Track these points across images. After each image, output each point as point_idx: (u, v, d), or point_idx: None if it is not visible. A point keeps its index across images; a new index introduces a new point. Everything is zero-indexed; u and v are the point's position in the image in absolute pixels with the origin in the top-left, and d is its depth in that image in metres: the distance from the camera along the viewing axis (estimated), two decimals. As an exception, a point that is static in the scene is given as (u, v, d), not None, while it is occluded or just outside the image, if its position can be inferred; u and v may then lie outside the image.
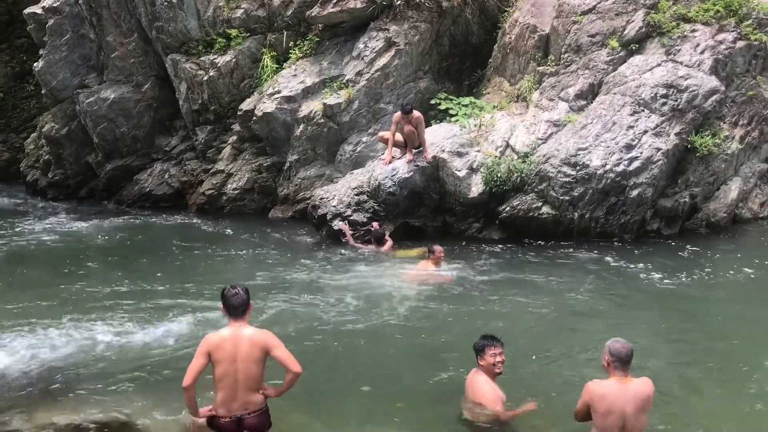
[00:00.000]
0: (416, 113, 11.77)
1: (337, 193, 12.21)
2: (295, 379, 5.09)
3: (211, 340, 5.07)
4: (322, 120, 13.57)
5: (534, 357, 7.07)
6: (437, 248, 10.06)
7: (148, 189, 15.41)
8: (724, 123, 12.32)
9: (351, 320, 8.21)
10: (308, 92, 13.74)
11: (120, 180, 15.80)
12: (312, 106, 13.61)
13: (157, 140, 15.70)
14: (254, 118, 13.95)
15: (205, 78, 14.53)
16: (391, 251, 11.17)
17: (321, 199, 12.28)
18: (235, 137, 14.73)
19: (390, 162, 11.95)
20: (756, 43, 12.66)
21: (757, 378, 6.69)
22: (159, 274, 9.86)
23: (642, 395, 5.05)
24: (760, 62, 13.10)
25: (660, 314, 8.66)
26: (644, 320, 8.43)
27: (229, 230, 13.07)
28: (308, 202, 12.97)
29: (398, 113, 11.84)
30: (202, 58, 14.56)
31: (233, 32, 14.40)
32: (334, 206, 12.03)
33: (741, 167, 12.66)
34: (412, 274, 9.93)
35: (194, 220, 14.04)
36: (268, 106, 13.77)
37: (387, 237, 11.42)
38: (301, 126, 13.70)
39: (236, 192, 14.51)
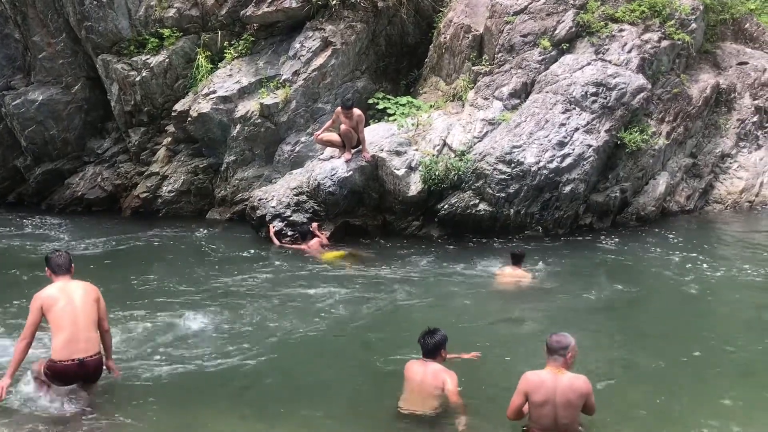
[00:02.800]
0: (357, 111, 11.80)
1: (275, 194, 12.13)
2: (109, 339, 6.05)
3: (43, 296, 5.72)
4: (259, 120, 13.46)
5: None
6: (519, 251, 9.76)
7: (80, 193, 14.96)
8: (651, 120, 12.76)
9: (293, 321, 8.19)
10: (244, 92, 13.60)
11: (50, 184, 15.29)
12: (249, 106, 13.48)
13: (88, 143, 15.25)
14: (189, 118, 13.73)
15: (138, 78, 14.20)
16: (318, 251, 11.15)
17: (259, 200, 12.18)
18: (169, 139, 14.45)
19: (350, 159, 11.91)
20: (679, 42, 13.16)
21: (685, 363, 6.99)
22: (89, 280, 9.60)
23: (572, 390, 5.18)
24: (683, 61, 13.63)
25: (598, 307, 8.94)
26: (582, 315, 8.70)
27: (164, 233, 12.80)
28: (247, 203, 12.85)
29: (339, 108, 11.86)
30: (134, 59, 14.23)
31: (166, 32, 14.12)
32: (273, 207, 11.95)
33: (668, 162, 13.14)
34: (504, 281, 9.66)
35: (128, 224, 13.71)
36: (203, 106, 13.57)
37: (318, 233, 11.44)
38: (238, 126, 13.55)
39: (172, 194, 14.25)
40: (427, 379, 5.88)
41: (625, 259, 10.70)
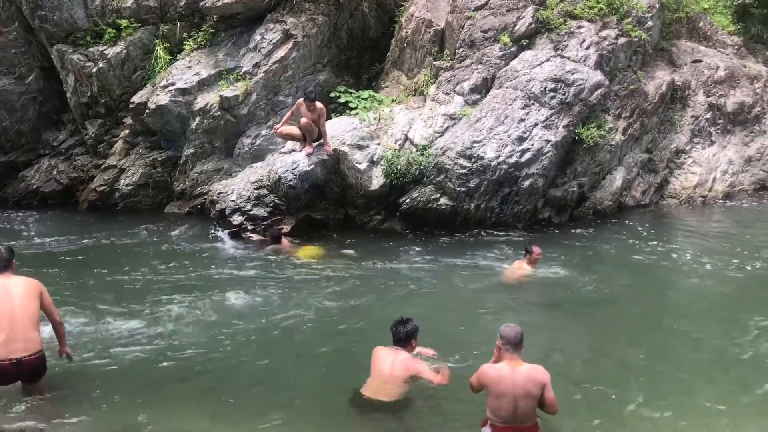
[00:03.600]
0: (319, 104, 11.76)
1: (236, 188, 12.03)
2: (62, 329, 6.10)
3: None
4: (219, 113, 13.32)
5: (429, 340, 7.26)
6: (535, 249, 9.43)
7: (35, 186, 14.60)
8: (609, 115, 12.98)
9: (250, 316, 8.16)
10: (204, 84, 13.43)
11: (3, 177, 14.88)
12: (208, 99, 13.32)
13: (43, 135, 14.88)
14: (147, 111, 13.50)
15: (94, 70, 13.91)
16: (291, 249, 11.09)
17: (219, 193, 12.06)
18: (127, 131, 14.19)
19: (312, 152, 11.85)
20: (636, 39, 13.40)
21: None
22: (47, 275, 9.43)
23: (530, 380, 5.27)
24: (639, 58, 13.89)
25: (549, 298, 9.12)
26: (536, 304, 8.84)
27: (122, 227, 12.58)
28: (206, 197, 12.73)
29: (301, 100, 11.80)
30: (91, 49, 13.92)
31: (123, 22, 13.85)
32: (233, 201, 11.85)
33: (624, 157, 13.38)
34: (509, 274, 9.58)
35: (84, 217, 13.45)
36: (161, 98, 13.36)
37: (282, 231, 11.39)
38: (197, 119, 13.39)
39: (130, 188, 14.00)
40: (397, 368, 5.99)
41: (588, 253, 10.88)
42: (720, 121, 14.81)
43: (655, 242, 11.30)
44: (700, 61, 15.13)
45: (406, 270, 10.07)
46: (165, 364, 6.90)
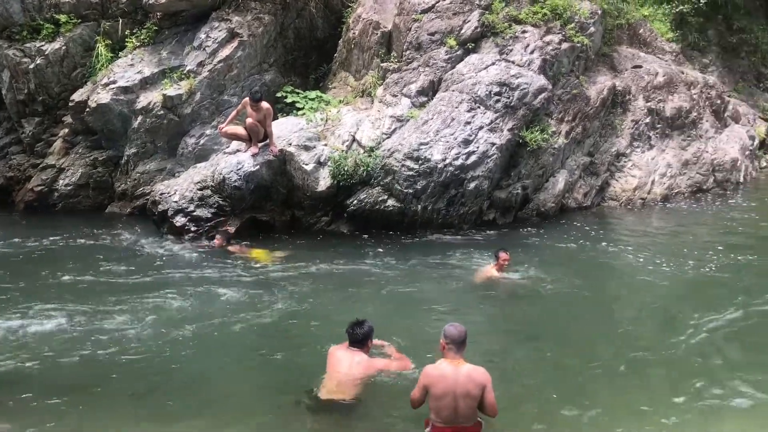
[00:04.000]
0: (266, 104, 11.66)
1: (178, 188, 11.81)
2: None
3: None
4: (162, 112, 13.07)
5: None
6: (502, 254, 9.58)
7: (-33, 186, 14.11)
8: (552, 119, 13.21)
9: (196, 318, 8.02)
10: (146, 83, 13.17)
11: (-66, 176, 14.34)
12: (151, 97, 13.06)
13: (-24, 132, 14.39)
14: (88, 109, 13.16)
15: (32, 66, 13.50)
16: (243, 251, 10.90)
17: (161, 194, 11.83)
18: (66, 130, 13.81)
19: (257, 153, 11.71)
20: (578, 45, 13.68)
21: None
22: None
23: (471, 380, 5.32)
24: (582, 63, 14.18)
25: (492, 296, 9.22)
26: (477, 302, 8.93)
27: (60, 229, 12.19)
28: (148, 197, 12.46)
29: (247, 99, 11.67)
30: (28, 45, 13.52)
31: (62, 18, 13.48)
32: (175, 201, 11.64)
33: (567, 160, 13.63)
34: (480, 277, 9.68)
35: (21, 218, 13.02)
36: (102, 96, 13.04)
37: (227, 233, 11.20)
38: (140, 118, 13.11)
39: (69, 188, 13.61)
40: (355, 369, 6.06)
41: (535, 254, 11.02)
42: (659, 126, 15.22)
43: (599, 243, 11.56)
44: (641, 66, 15.53)
45: (360, 271, 10.06)
46: (102, 367, 6.76)
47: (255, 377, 6.77)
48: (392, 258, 10.65)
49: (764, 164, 18.08)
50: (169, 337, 7.48)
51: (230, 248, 10.94)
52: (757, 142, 17.51)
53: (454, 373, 5.33)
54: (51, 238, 11.47)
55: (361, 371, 6.09)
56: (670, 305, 8.91)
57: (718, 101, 16.76)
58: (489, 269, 9.75)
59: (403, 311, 8.60)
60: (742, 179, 16.18)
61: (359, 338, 6.25)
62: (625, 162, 14.63)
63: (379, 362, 6.35)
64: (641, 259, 10.66)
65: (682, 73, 16.35)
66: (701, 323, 7.90)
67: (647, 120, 15.05)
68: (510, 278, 9.66)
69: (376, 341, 6.57)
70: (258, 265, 10.18)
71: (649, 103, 15.15)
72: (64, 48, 13.53)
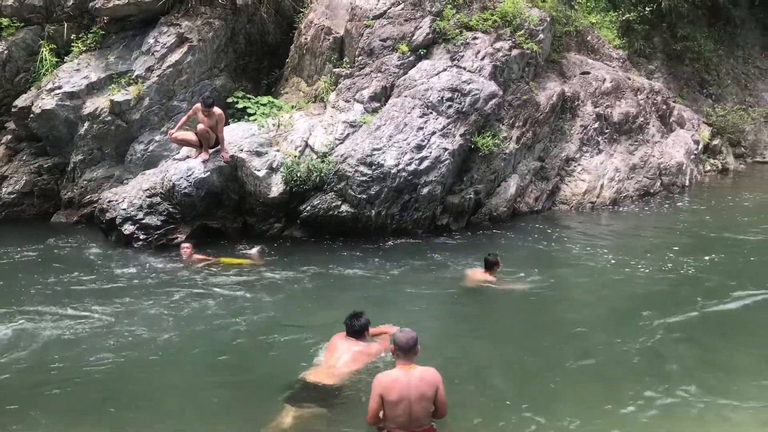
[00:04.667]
0: (218, 110, 11.52)
1: (127, 195, 11.57)
2: None
3: None
4: (110, 117, 12.82)
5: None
6: (494, 259, 9.61)
7: None
8: (503, 125, 13.36)
9: (156, 330, 7.86)
10: (93, 88, 12.91)
11: None
12: (98, 103, 12.80)
13: None
14: (32, 115, 12.84)
15: (-28, 70, 13.11)
16: (210, 259, 10.56)
17: (109, 201, 11.58)
18: (9, 136, 13.45)
19: (208, 159, 11.56)
20: (528, 51, 13.88)
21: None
22: None
23: (424, 382, 5.34)
24: (532, 69, 14.39)
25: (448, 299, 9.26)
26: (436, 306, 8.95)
27: (3, 238, 11.83)
28: (95, 205, 12.18)
29: (198, 104, 11.51)
30: (-32, 48, 13.11)
31: (5, 21, 13.14)
32: (124, 209, 11.39)
33: (518, 165, 13.80)
34: (473, 280, 9.64)
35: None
36: (47, 102, 12.72)
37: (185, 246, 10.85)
38: (86, 124, 12.82)
39: (12, 196, 13.23)
40: (350, 355, 6.44)
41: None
42: (607, 131, 15.54)
43: (557, 245, 11.75)
44: (589, 73, 15.83)
45: (335, 276, 10.05)
46: (57, 373, 6.61)
47: (224, 388, 6.65)
48: (360, 262, 10.62)
49: (708, 168, 18.63)
50: (130, 346, 7.35)
51: (197, 257, 10.60)
52: (701, 146, 18.03)
53: (406, 377, 5.33)
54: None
55: (357, 358, 6.41)
56: (627, 305, 8.99)
57: (664, 107, 17.20)
58: (480, 273, 9.70)
59: (380, 314, 8.53)
60: (687, 182, 16.62)
61: (357, 329, 6.62)
62: (574, 166, 14.88)
63: (372, 348, 6.64)
64: (599, 261, 10.80)
65: (629, 79, 16.74)
66: (658, 324, 7.99)
67: (596, 125, 15.35)
68: (506, 283, 9.63)
69: (377, 329, 6.91)
70: (230, 272, 9.97)
71: (597, 109, 15.45)
72: (6, 52, 13.17)
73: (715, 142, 19.28)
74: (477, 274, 9.75)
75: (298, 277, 9.97)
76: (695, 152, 17.50)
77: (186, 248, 10.73)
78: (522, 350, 7.51)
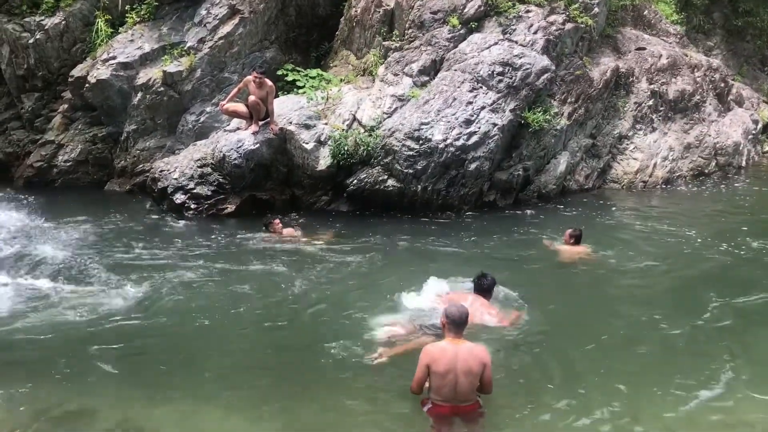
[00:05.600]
0: (269, 82, 11.61)
1: (178, 165, 11.77)
2: None
3: None
4: (162, 88, 12.99)
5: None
6: (569, 232, 9.91)
7: (-33, 161, 14.05)
8: (554, 100, 13.12)
9: (209, 300, 8.00)
10: (146, 59, 13.08)
11: (-67, 151, 14.27)
12: (151, 74, 12.97)
13: (-25, 108, 14.30)
14: (87, 85, 13.08)
15: (31, 41, 13.38)
16: (296, 236, 10.48)
17: (161, 171, 11.79)
18: (66, 105, 13.72)
19: (257, 131, 11.63)
20: (582, 25, 13.55)
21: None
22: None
23: (472, 356, 5.34)
24: (585, 44, 14.06)
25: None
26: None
27: (61, 205, 12.13)
28: (148, 174, 12.42)
29: (249, 77, 11.61)
30: (27, 19, 13.39)
31: (62, -8, 13.36)
32: (175, 179, 11.59)
33: (569, 142, 13.56)
34: (563, 253, 9.85)
35: (21, 194, 12.97)
36: (102, 72, 12.95)
37: (276, 221, 10.54)
38: (139, 94, 13.03)
39: (68, 164, 13.57)
40: (479, 309, 6.97)
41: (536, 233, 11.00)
42: (661, 109, 15.14)
43: (614, 223, 11.65)
44: (644, 48, 15.41)
45: (415, 249, 10.12)
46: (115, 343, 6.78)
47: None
48: (436, 236, 10.66)
49: (767, 149, 18.01)
50: (190, 316, 7.49)
51: (285, 232, 10.46)
52: (760, 126, 17.43)
53: (454, 350, 5.34)
54: (54, 217, 11.26)
55: (480, 314, 6.92)
56: (693, 286, 8.84)
57: (722, 85, 16.66)
58: (570, 248, 9.85)
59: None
60: (744, 163, 16.13)
61: (485, 287, 7.25)
62: (627, 144, 14.56)
63: (492, 310, 7.11)
64: (664, 240, 10.62)
65: (686, 55, 16.23)
66: (724, 306, 7.82)
67: (650, 102, 14.96)
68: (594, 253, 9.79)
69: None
70: (316, 246, 9.99)
71: (652, 86, 15.05)
72: (63, 23, 13.41)
73: (775, 122, 18.60)
74: (570, 248, 9.88)
75: (390, 247, 10.13)
76: (754, 132, 16.94)
77: (277, 223, 10.48)
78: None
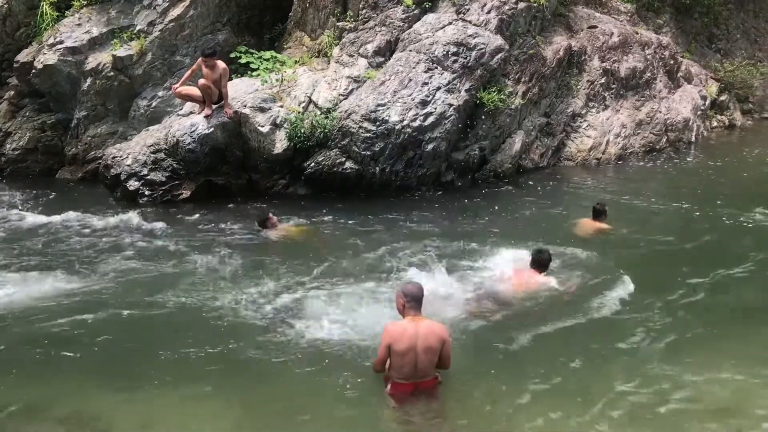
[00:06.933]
0: (221, 63, 11.42)
1: (131, 152, 11.56)
2: None
3: None
4: (112, 73, 12.72)
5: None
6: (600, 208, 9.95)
7: None
8: (509, 80, 13.22)
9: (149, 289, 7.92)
10: (95, 43, 12.77)
11: None
12: (100, 59, 12.68)
13: None
14: (34, 71, 12.73)
15: (-28, 25, 12.97)
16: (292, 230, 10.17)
17: (114, 158, 11.58)
18: (12, 92, 13.38)
19: (211, 115, 11.44)
20: (535, 4, 13.64)
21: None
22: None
23: (432, 334, 5.41)
24: (538, 23, 14.17)
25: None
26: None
27: (7, 195, 11.85)
28: (100, 161, 12.18)
29: (200, 59, 11.42)
30: (-33, 3, 12.95)
31: (3, -26, 12.93)
32: (128, 165, 11.40)
33: (524, 121, 13.68)
34: (581, 228, 9.96)
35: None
36: (49, 57, 12.61)
37: (271, 216, 9.98)
38: (89, 80, 12.73)
39: (17, 153, 13.23)
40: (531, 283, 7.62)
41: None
42: (613, 86, 15.37)
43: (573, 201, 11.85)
44: (596, 27, 15.59)
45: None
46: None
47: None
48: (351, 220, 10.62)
49: (715, 124, 18.47)
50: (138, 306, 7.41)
51: (283, 227, 10.03)
52: (708, 102, 17.84)
53: (414, 329, 5.40)
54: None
55: (535, 286, 7.50)
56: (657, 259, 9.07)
57: (672, 62, 16.98)
58: (591, 222, 10.00)
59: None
60: (694, 139, 16.51)
61: (541, 262, 7.72)
62: (580, 122, 14.77)
63: (553, 281, 7.67)
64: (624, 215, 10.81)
65: (637, 33, 16.48)
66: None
67: (602, 80, 15.18)
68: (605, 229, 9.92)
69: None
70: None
71: (604, 64, 15.27)
72: (6, 6, 13.02)
73: (723, 97, 19.04)
74: (588, 223, 10.01)
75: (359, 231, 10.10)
76: (702, 108, 17.33)
77: (274, 220, 9.94)
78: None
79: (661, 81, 16.39)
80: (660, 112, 15.88)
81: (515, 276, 7.75)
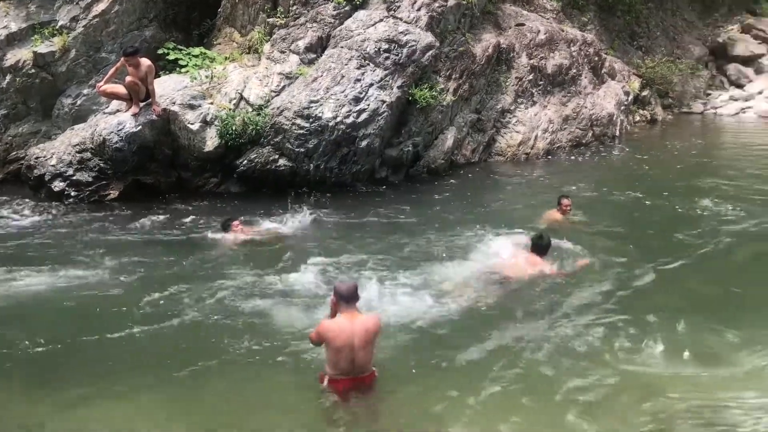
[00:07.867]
0: (146, 61, 11.15)
1: (56, 151, 11.21)
2: None
3: None
4: (33, 70, 12.30)
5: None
6: (564, 201, 10.11)
7: None
8: (440, 77, 13.38)
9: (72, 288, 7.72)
10: (14, 39, 12.33)
11: None
12: (20, 55, 12.26)
13: None
14: (-53, 67, 12.18)
15: None
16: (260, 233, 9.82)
17: (37, 158, 11.20)
18: (-76, 90, 12.72)
19: (138, 113, 11.16)
20: (464, 2, 13.85)
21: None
22: None
23: (367, 329, 5.47)
24: (468, 20, 14.39)
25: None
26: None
27: None
28: (23, 162, 11.76)
29: (122, 58, 11.13)
30: None
31: None
32: (53, 165, 11.05)
33: (455, 117, 13.89)
34: (546, 219, 10.16)
35: None
36: (-37, 54, 12.09)
37: (236, 222, 9.55)
38: (8, 77, 12.28)
39: (-69, 154, 12.63)
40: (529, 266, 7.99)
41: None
42: (541, 83, 15.76)
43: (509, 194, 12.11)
44: (523, 24, 15.94)
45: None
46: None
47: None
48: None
49: (638, 118, 19.18)
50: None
51: (247, 230, 9.69)
52: (631, 97, 18.52)
53: (350, 326, 5.43)
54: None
55: (531, 269, 7.86)
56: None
57: (596, 58, 17.52)
58: (553, 213, 10.22)
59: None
60: (618, 133, 17.09)
61: (542, 247, 8.01)
62: (510, 118, 15.08)
63: (546, 266, 7.97)
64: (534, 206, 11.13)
65: (563, 30, 16.93)
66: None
67: (530, 77, 15.54)
68: (574, 221, 10.18)
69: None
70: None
71: (531, 61, 15.62)
72: None
73: (645, 93, 19.82)
74: (550, 213, 10.30)
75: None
76: (625, 103, 17.96)
77: (237, 226, 9.52)
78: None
79: (586, 77, 16.89)
80: (585, 107, 16.37)
81: (514, 260, 8.17)
